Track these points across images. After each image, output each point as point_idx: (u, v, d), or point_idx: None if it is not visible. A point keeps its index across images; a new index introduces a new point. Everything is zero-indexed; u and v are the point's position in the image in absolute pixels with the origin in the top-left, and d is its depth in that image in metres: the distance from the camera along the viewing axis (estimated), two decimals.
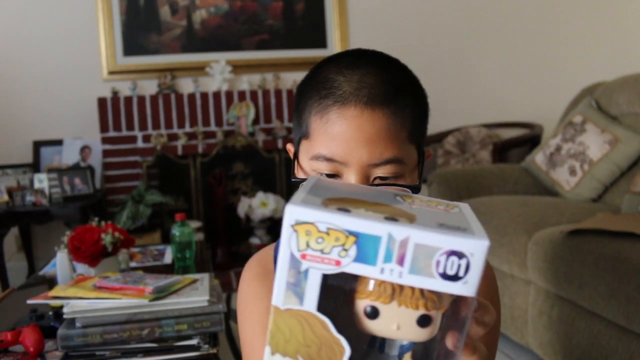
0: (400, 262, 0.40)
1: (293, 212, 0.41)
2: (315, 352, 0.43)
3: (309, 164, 0.71)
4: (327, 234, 0.40)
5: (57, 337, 1.25)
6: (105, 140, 3.47)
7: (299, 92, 0.76)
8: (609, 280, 1.64)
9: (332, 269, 0.41)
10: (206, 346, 1.27)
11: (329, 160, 0.69)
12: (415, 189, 0.70)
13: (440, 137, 3.72)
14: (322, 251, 0.40)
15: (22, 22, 3.47)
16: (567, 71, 4.10)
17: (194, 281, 1.42)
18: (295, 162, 0.79)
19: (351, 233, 0.40)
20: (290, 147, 0.80)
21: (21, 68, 3.48)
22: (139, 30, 3.61)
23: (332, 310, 0.43)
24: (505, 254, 2.10)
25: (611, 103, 2.70)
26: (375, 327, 0.43)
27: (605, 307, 1.65)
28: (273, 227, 3.48)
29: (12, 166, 3.34)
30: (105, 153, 3.48)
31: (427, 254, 0.40)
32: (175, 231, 1.83)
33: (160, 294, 1.31)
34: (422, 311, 0.42)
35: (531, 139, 3.36)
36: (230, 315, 2.04)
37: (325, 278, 0.41)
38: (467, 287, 0.41)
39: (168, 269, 1.90)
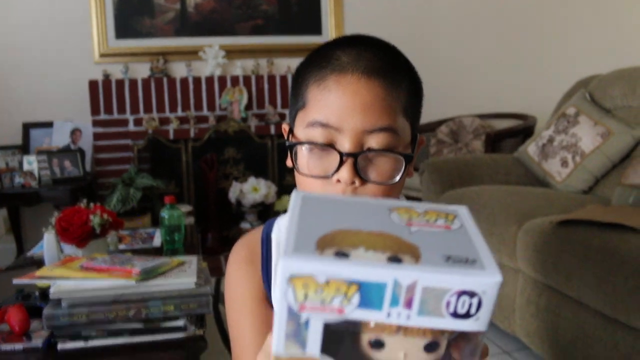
0: (408, 305, 0.38)
1: (287, 267, 0.38)
2: None
3: (304, 132, 0.71)
4: (327, 284, 0.38)
5: (43, 316, 1.24)
6: (96, 123, 3.44)
7: (297, 72, 0.77)
8: (596, 270, 1.64)
9: (334, 317, 0.39)
10: (193, 327, 1.27)
11: (324, 126, 0.68)
12: (409, 158, 0.70)
13: (434, 126, 3.71)
14: (322, 301, 0.38)
15: (13, 3, 3.43)
16: (562, 63, 4.10)
17: (182, 263, 1.41)
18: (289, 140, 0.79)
19: (353, 282, 0.38)
20: (285, 127, 0.80)
21: (12, 49, 3.44)
22: (132, 12, 3.58)
23: (336, 351, 0.41)
24: (495, 243, 2.10)
25: (605, 96, 2.70)
26: (381, 356, 0.42)
27: (592, 297, 1.65)
28: (264, 213, 3.47)
29: (0, 147, 3.30)
30: (96, 136, 3.45)
31: (436, 296, 0.38)
32: (165, 214, 1.82)
33: (148, 275, 1.30)
34: (429, 339, 0.41)
35: (524, 130, 3.36)
36: (219, 298, 2.04)
37: (327, 323, 0.40)
38: (478, 324, 0.39)
39: (157, 252, 1.89)
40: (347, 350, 0.41)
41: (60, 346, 1.24)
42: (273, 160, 3.57)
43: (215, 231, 3.40)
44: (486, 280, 0.38)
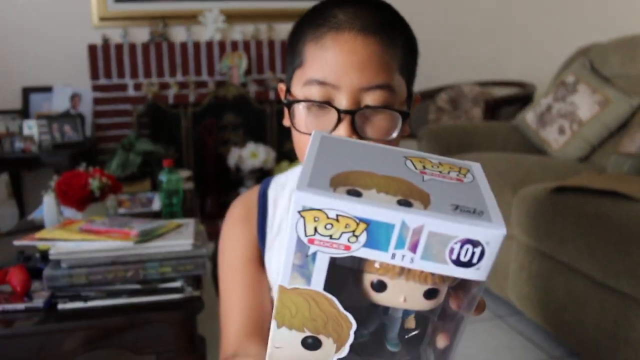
0: (413, 249, 0.39)
1: (300, 199, 0.38)
2: (322, 326, 0.43)
3: (301, 91, 0.71)
4: (337, 220, 0.39)
5: (43, 277, 1.26)
6: (95, 88, 3.43)
7: (294, 30, 0.77)
8: (588, 236, 1.67)
9: (340, 253, 0.40)
10: (189, 289, 1.30)
11: (321, 84, 0.69)
12: (406, 115, 0.71)
13: (433, 93, 3.70)
14: (330, 237, 0.39)
15: None
16: (563, 31, 4.06)
17: (179, 226, 1.44)
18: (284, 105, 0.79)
19: (362, 220, 0.38)
20: (282, 87, 0.80)
21: (10, 12, 3.42)
22: None
23: (339, 288, 0.42)
24: None
25: (605, 64, 2.69)
26: (381, 298, 0.43)
27: (583, 262, 1.68)
28: (263, 178, 3.48)
29: (0, 112, 3.31)
30: (96, 101, 3.45)
31: (441, 242, 0.39)
32: (163, 177, 1.84)
33: (146, 237, 1.32)
34: (429, 285, 0.42)
35: (523, 98, 3.35)
36: (217, 262, 2.06)
37: (333, 259, 0.41)
38: (479, 273, 0.40)
39: (156, 216, 1.91)
40: (349, 289, 0.43)
41: (61, 306, 1.27)
42: (272, 126, 3.58)
43: (214, 196, 3.43)
44: (491, 232, 0.39)
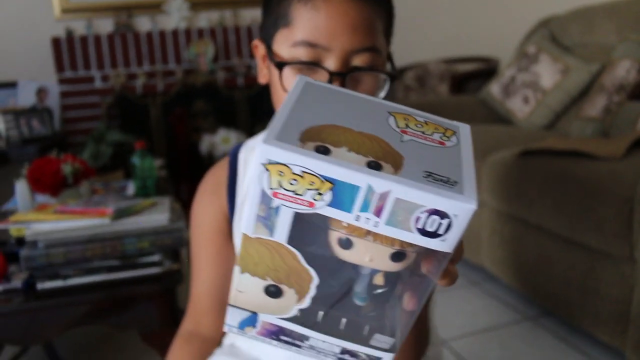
0: (378, 213, 0.38)
1: (265, 151, 0.37)
2: (284, 277, 0.43)
3: (288, 51, 0.71)
4: (302, 176, 0.38)
5: (20, 258, 1.26)
6: (62, 81, 3.39)
7: None
8: (555, 195, 1.72)
9: (304, 209, 0.39)
10: (168, 262, 1.31)
11: (312, 46, 0.69)
12: (394, 77, 0.73)
13: (400, 72, 3.74)
14: (295, 192, 0.38)
15: None
16: (523, 4, 4.13)
17: (154, 203, 1.45)
18: (261, 63, 0.79)
19: (327, 179, 0.37)
20: (257, 44, 0.80)
21: None
22: None
23: (304, 242, 0.42)
24: None
25: (564, 34, 2.75)
26: (347, 256, 0.42)
27: (552, 220, 1.74)
28: None
29: None
30: (63, 94, 3.41)
31: (407, 209, 0.38)
32: (136, 160, 1.84)
33: (122, 213, 1.33)
34: (396, 248, 0.41)
35: (488, 72, 3.41)
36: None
37: (298, 214, 0.40)
38: (444, 244, 0.39)
39: None
40: (316, 243, 0.42)
41: (40, 285, 1.28)
42: (242, 111, 3.58)
43: (188, 184, 3.43)
44: (460, 205, 0.37)
